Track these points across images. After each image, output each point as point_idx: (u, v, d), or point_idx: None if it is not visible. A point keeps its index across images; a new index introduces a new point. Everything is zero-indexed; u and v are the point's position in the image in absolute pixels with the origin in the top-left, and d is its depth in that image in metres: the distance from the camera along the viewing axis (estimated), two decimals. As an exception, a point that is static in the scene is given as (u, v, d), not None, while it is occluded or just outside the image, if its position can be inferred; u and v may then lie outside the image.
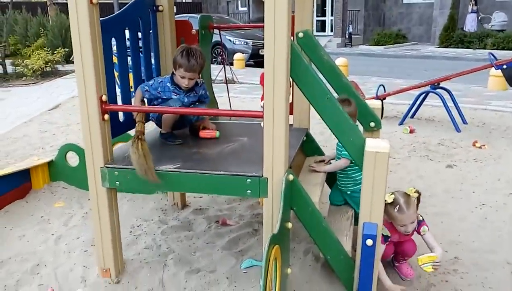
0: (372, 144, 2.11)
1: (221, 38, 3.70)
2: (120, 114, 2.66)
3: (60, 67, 12.05)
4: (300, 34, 2.85)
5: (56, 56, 11.41)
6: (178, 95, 2.71)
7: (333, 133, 2.29)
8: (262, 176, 2.22)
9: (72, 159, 4.03)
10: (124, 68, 2.70)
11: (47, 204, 3.63)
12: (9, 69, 11.48)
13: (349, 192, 2.91)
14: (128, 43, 2.77)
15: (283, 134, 2.14)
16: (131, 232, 3.17)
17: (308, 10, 3.01)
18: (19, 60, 11.28)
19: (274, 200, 2.23)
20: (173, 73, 2.72)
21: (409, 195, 2.47)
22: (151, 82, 2.77)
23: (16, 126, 6.35)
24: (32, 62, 10.87)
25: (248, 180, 2.25)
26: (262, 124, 2.16)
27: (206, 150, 2.67)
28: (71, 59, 13.96)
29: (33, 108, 7.53)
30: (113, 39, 2.53)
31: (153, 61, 3.09)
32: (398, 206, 2.43)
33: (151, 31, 2.99)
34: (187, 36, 3.21)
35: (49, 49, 11.87)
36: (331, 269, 2.53)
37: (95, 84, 2.27)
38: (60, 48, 12.14)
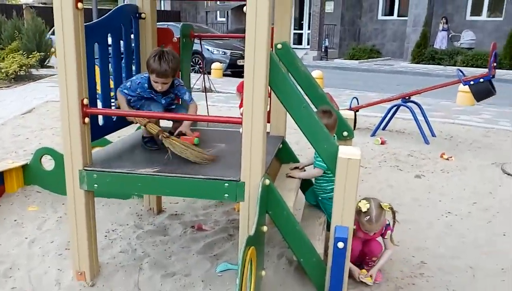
0: (344, 151, 2.23)
1: (201, 47, 3.79)
2: (100, 118, 2.69)
3: (34, 71, 11.86)
4: (279, 46, 2.97)
5: (31, 60, 11.23)
6: (156, 97, 2.76)
7: (308, 141, 2.39)
8: (240, 180, 2.30)
9: (46, 163, 4.01)
10: (106, 73, 2.74)
11: (20, 207, 3.59)
12: (-19, 72, 11.23)
13: (319, 198, 3.03)
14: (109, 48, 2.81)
15: (260, 141, 2.23)
16: (106, 236, 3.18)
17: (287, 23, 3.13)
18: (-8, 63, 11.06)
19: (251, 204, 2.31)
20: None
21: (383, 208, 2.59)
22: (128, 84, 2.78)
23: (-12, 129, 6.23)
24: (6, 65, 10.68)
25: (226, 184, 2.32)
26: (240, 130, 2.24)
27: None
28: (45, 63, 13.79)
29: (6, 112, 7.40)
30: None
31: (133, 67, 3.14)
32: (369, 217, 2.56)
33: (132, 37, 3.05)
34: (168, 43, 3.28)
35: (23, 53, 11.68)
36: (303, 273, 2.62)
37: (77, 87, 2.31)
38: (35, 52, 11.95)
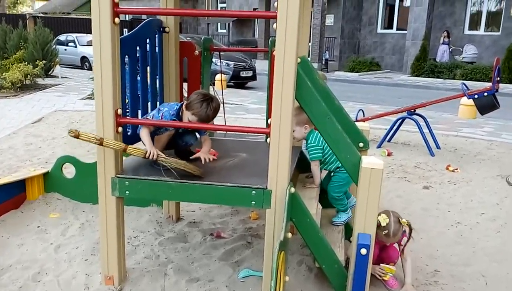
0: (367, 161, 2.34)
1: (220, 60, 3.92)
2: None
3: (40, 80, 11.98)
4: (298, 60, 3.09)
5: (36, 69, 11.35)
6: (180, 130, 2.83)
7: (332, 150, 2.51)
8: (267, 188, 2.40)
9: (65, 171, 4.09)
10: (134, 84, 2.85)
11: (42, 214, 3.68)
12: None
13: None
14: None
15: (287, 150, 2.35)
16: (128, 242, 3.26)
17: (305, 38, 3.27)
18: (-3, 72, 11.20)
19: (277, 211, 2.42)
20: (181, 107, 2.75)
21: (401, 223, 2.71)
22: (159, 115, 2.74)
23: (0, 138, 6.32)
24: (11, 74, 10.79)
25: (253, 192, 2.42)
26: (268, 140, 2.36)
27: (210, 163, 2.83)
28: (50, 73, 13.93)
29: (16, 121, 7.50)
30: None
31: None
32: (387, 231, 2.68)
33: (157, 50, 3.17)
34: (190, 56, 3.41)
35: (28, 63, 11.76)
36: (323, 279, 2.72)
37: (112, 98, 2.43)
38: (39, 61, 12.06)
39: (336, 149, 2.48)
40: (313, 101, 2.44)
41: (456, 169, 5.35)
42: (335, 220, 3.09)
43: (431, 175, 5.16)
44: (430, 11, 18.27)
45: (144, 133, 2.67)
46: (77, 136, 2.35)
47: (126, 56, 2.70)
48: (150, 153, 2.54)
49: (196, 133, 2.98)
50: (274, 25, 2.26)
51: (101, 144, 2.42)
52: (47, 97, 10.12)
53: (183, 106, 2.73)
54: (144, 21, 2.97)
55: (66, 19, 23.20)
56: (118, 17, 2.40)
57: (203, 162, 2.71)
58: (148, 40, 3.03)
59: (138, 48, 2.89)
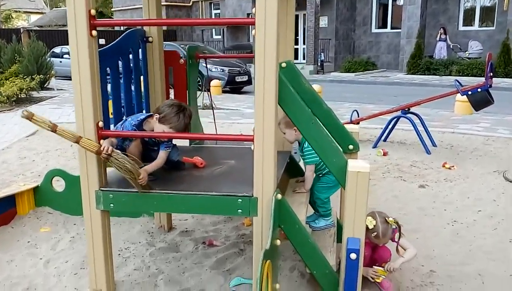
0: (354, 164, 2.30)
1: (207, 68, 3.89)
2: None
3: (35, 93, 11.98)
4: (283, 64, 3.05)
5: (32, 82, 11.36)
6: (148, 140, 2.73)
7: (317, 154, 2.47)
8: (253, 196, 2.36)
9: (55, 184, 4.06)
10: (118, 97, 2.82)
11: (33, 229, 3.64)
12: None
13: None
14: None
15: (272, 156, 2.31)
16: (119, 254, 3.23)
17: (290, 42, 3.23)
18: (-8, 87, 11.19)
19: (264, 218, 2.37)
20: (145, 119, 2.65)
21: (389, 223, 2.67)
22: (122, 125, 2.67)
23: (-7, 153, 6.29)
24: (6, 89, 10.80)
25: (239, 200, 2.38)
26: (252, 147, 2.32)
27: (197, 172, 2.80)
28: (45, 85, 13.94)
29: (10, 135, 7.48)
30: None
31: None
32: (376, 233, 2.65)
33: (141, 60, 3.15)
34: (175, 65, 3.38)
35: (24, 76, 11.79)
36: (316, 285, 2.67)
37: (92, 110, 2.39)
38: (35, 74, 12.09)
39: (322, 154, 2.45)
40: (296, 106, 2.40)
41: (453, 166, 5.30)
42: (312, 225, 3.05)
43: (427, 173, 5.12)
44: (424, 9, 18.29)
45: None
46: (29, 118, 2.23)
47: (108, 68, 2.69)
48: (104, 147, 2.37)
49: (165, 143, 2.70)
50: (253, 32, 2.23)
51: (54, 131, 2.32)
52: (42, 110, 10.10)
53: (156, 119, 2.58)
54: (125, 32, 2.94)
55: (61, 31, 23.21)
56: (95, 29, 2.36)
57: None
58: (131, 51, 3.01)
59: (120, 59, 2.87)
